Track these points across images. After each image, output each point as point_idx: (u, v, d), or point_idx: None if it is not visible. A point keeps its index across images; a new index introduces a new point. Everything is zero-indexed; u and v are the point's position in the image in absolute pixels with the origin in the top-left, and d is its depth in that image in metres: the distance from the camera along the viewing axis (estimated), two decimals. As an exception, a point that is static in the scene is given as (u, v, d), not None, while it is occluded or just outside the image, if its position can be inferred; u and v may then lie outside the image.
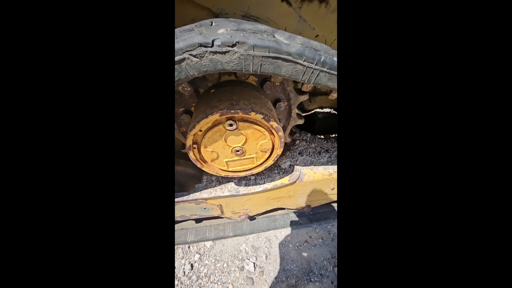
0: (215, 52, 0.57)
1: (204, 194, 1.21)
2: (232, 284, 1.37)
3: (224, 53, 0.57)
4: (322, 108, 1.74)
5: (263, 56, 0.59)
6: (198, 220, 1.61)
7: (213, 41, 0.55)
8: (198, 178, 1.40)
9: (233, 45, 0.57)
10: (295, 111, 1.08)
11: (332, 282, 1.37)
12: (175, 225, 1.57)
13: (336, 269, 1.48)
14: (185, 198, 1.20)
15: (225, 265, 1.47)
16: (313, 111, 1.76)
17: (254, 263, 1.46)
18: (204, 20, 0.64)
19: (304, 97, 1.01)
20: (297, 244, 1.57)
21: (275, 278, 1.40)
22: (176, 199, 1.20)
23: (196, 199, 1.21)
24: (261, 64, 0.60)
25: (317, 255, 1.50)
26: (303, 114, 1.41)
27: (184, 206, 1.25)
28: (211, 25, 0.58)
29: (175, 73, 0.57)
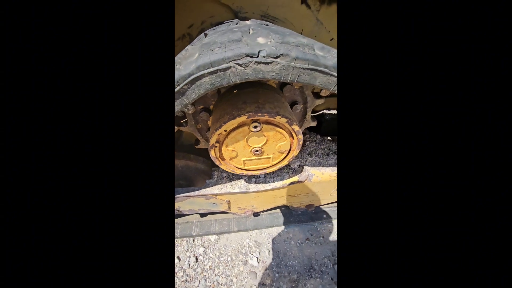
0: (259, 62, 0.59)
1: (215, 189, 1.23)
2: (236, 277, 1.41)
3: (267, 63, 0.59)
4: (329, 109, 1.77)
5: (302, 68, 0.61)
6: (203, 214, 1.64)
7: (259, 52, 0.57)
8: (208, 174, 1.42)
9: (277, 57, 0.59)
10: (310, 113, 1.11)
11: (332, 279, 1.43)
12: (181, 218, 1.59)
13: (336, 266, 1.54)
14: (196, 193, 1.22)
15: (229, 258, 1.50)
16: (320, 112, 1.80)
17: (257, 258, 1.51)
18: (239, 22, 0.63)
19: (320, 101, 1.04)
20: (298, 241, 1.61)
21: (278, 273, 1.45)
22: (187, 194, 1.22)
23: (206, 195, 1.23)
24: (298, 75, 0.62)
25: (318, 252, 1.56)
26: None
27: (194, 201, 1.27)
28: (249, 32, 0.60)
29: (218, 80, 0.58)
